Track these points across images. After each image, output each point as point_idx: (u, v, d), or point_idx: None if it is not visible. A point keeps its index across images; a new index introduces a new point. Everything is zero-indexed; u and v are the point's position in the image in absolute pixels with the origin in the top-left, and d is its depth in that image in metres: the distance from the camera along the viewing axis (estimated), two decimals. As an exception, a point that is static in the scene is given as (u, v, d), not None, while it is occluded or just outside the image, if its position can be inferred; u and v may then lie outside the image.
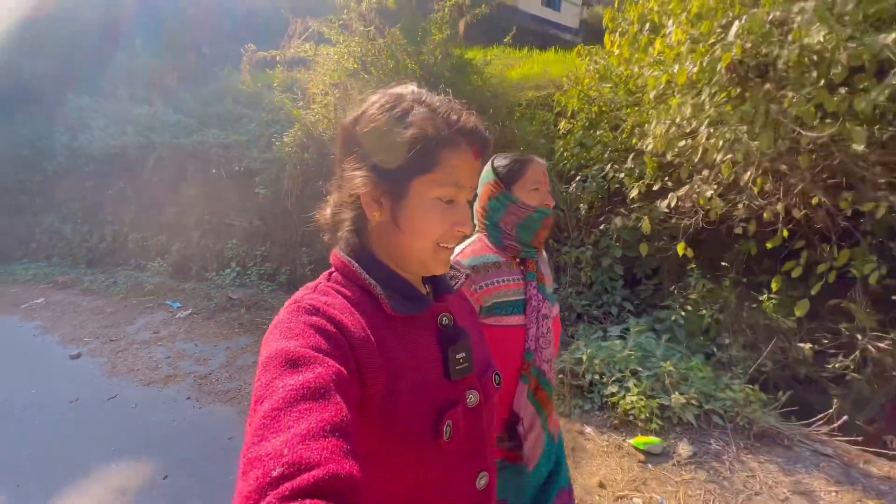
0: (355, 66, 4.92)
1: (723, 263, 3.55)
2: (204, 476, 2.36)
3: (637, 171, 3.81)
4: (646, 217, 3.48)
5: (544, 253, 1.23)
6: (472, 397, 0.65)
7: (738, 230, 3.18)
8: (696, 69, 3.06)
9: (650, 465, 2.29)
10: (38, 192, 8.27)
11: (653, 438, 2.43)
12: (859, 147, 2.58)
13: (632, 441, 2.44)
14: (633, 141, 3.70)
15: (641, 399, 2.58)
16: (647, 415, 2.53)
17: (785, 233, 3.06)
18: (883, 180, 2.67)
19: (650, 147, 3.42)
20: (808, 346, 2.98)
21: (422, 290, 0.69)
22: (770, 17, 2.79)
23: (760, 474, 2.18)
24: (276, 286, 5.80)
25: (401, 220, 0.62)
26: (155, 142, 6.81)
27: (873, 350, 2.94)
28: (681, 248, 3.27)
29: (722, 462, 2.27)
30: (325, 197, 0.71)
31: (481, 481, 0.66)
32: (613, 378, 2.77)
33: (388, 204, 0.62)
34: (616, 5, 3.84)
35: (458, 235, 0.64)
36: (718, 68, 2.95)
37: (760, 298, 3.23)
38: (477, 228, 1.21)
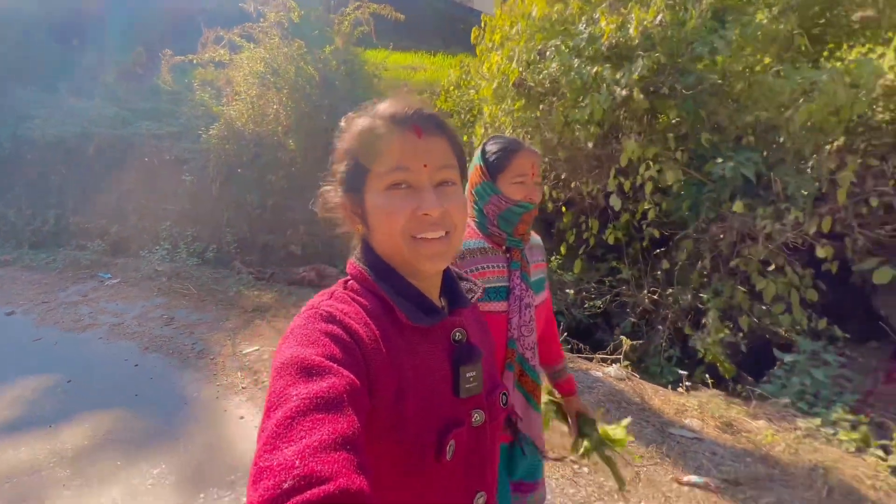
0: (265, 69, 5.75)
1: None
2: (105, 382, 3.22)
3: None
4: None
5: (537, 237, 1.25)
6: (478, 416, 0.64)
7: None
8: (495, 85, 4.08)
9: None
10: (-18, 179, 8.72)
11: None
12: (590, 144, 3.64)
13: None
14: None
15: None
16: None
17: (564, 210, 4.11)
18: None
19: (477, 145, 4.43)
20: (572, 291, 4.04)
21: (437, 302, 0.68)
22: (538, 48, 3.82)
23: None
24: (202, 262, 6.59)
25: (368, 222, 0.63)
26: (93, 132, 7.43)
27: (638, 296, 4.00)
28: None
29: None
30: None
31: (479, 500, 0.66)
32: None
33: (360, 213, 0.64)
34: (482, 25, 4.77)
35: (426, 221, 0.61)
36: (510, 85, 3.97)
37: (550, 259, 4.28)
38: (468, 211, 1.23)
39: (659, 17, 3.12)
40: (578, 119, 3.43)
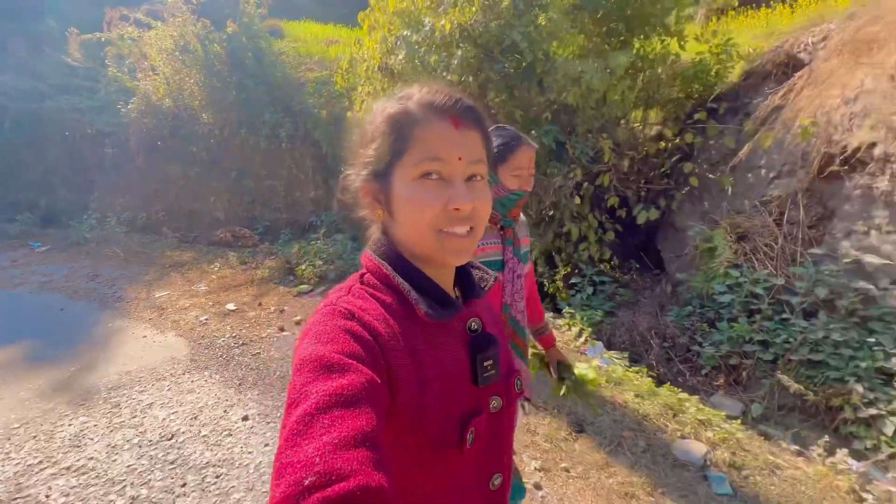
0: (174, 47, 6.17)
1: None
2: (32, 323, 3.91)
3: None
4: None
5: (523, 216, 1.39)
6: (496, 403, 0.65)
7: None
8: (365, 66, 4.81)
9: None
10: None
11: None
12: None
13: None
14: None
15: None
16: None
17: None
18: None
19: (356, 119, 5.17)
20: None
21: (452, 293, 0.68)
22: (392, 39, 4.55)
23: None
24: (132, 229, 7.11)
25: (393, 211, 0.61)
26: (9, 107, 7.59)
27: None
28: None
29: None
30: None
31: (495, 481, 0.67)
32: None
33: (382, 199, 0.62)
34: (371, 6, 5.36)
35: (456, 216, 0.59)
36: (375, 69, 4.71)
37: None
38: None
39: (474, 16, 3.92)
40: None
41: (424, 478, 0.59)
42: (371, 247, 0.66)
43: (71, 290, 4.60)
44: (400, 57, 4.34)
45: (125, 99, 7.00)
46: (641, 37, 4.54)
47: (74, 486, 2.06)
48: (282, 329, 3.56)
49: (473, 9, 4.01)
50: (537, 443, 2.31)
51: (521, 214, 1.38)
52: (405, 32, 4.38)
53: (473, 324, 0.66)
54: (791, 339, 2.81)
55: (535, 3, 4.00)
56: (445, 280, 0.67)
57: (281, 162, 6.62)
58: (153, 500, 1.99)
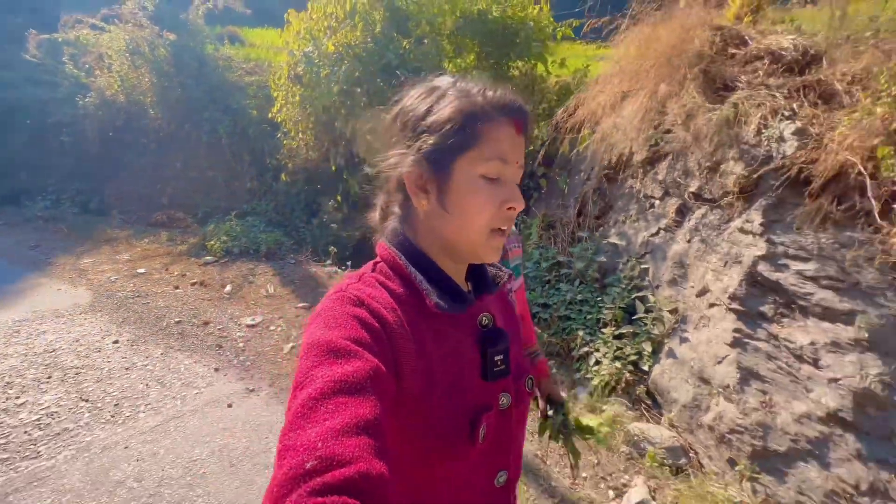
0: (125, 49, 6.92)
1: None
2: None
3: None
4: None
5: (514, 228, 1.29)
6: (505, 399, 0.65)
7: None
8: (278, 76, 5.61)
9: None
10: None
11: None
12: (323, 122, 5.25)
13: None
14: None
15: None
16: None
17: (334, 167, 5.76)
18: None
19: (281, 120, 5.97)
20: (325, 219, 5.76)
21: (464, 287, 0.69)
22: (298, 54, 5.34)
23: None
24: (85, 211, 7.78)
25: (448, 203, 0.61)
26: (-23, 96, 8.25)
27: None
28: (284, 176, 5.90)
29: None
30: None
31: (501, 478, 0.67)
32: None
33: (433, 189, 0.62)
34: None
35: (509, 216, 0.62)
36: (286, 77, 5.51)
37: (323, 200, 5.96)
38: None
39: (356, 38, 4.75)
40: (315, 105, 5.07)
41: (429, 471, 0.59)
42: (387, 236, 0.67)
43: (10, 257, 5.30)
44: (299, 70, 5.16)
45: (83, 93, 7.72)
46: (513, 60, 5.42)
47: (-33, 375, 2.80)
48: (176, 287, 4.31)
49: (357, 32, 4.85)
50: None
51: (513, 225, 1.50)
52: (308, 48, 5.21)
53: (485, 318, 0.67)
54: (557, 301, 3.63)
55: (406, 29, 4.85)
56: (459, 274, 0.68)
57: (221, 155, 7.36)
58: (24, 385, 2.73)
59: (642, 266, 3.30)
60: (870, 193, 2.10)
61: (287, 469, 0.39)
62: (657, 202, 3.40)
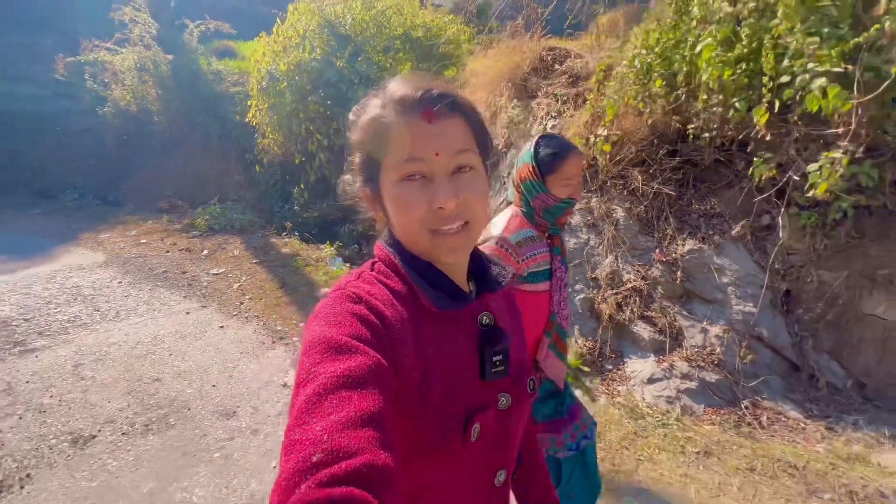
0: (135, 67, 8.44)
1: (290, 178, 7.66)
2: (17, 244, 6.11)
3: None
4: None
5: (531, 231, 1.36)
6: (504, 400, 0.65)
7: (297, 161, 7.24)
8: (253, 87, 6.98)
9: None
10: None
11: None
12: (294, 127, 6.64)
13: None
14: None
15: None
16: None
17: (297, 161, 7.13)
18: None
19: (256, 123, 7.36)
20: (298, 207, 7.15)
21: (465, 287, 0.68)
22: (264, 69, 6.70)
23: (227, 240, 6.28)
24: (104, 203, 9.35)
25: (388, 213, 0.63)
26: (16, 108, 9.92)
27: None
28: (258, 167, 7.30)
29: (220, 239, 6.35)
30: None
31: (499, 477, 0.68)
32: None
33: (379, 202, 0.63)
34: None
35: (441, 214, 0.59)
36: (256, 88, 6.88)
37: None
38: (511, 199, 1.41)
39: (305, 57, 6.10)
40: (278, 112, 6.46)
41: (426, 468, 0.59)
42: (383, 237, 0.68)
43: (47, 234, 6.83)
44: (264, 83, 6.55)
45: (101, 105, 9.29)
46: (437, 68, 6.69)
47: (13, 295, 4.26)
48: (167, 251, 5.74)
49: (304, 54, 6.21)
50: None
51: None
52: (270, 66, 6.59)
53: (485, 318, 0.67)
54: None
55: (345, 50, 6.18)
56: (457, 272, 0.67)
57: (213, 153, 8.83)
58: (59, 303, 4.16)
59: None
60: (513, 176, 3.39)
61: (294, 463, 0.40)
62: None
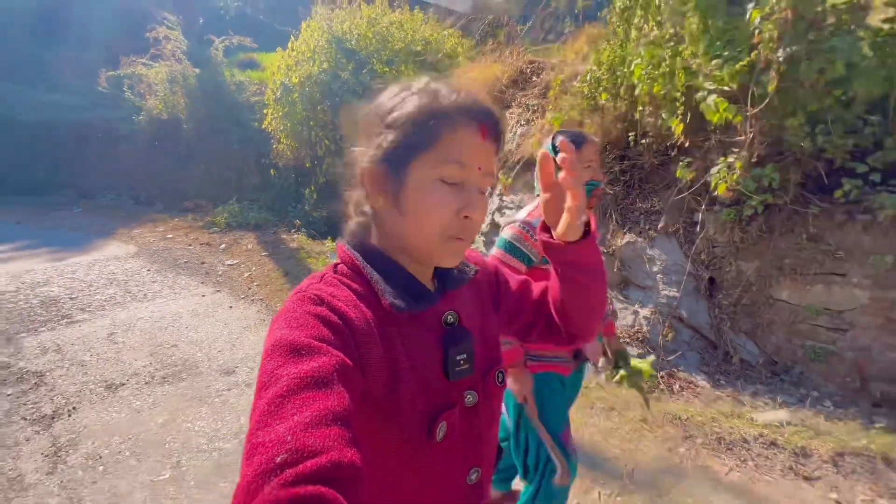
0: (167, 80, 9.31)
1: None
2: (60, 237, 6.95)
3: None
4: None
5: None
6: (471, 397, 0.65)
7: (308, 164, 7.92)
8: (269, 97, 7.70)
9: (214, 237, 7.04)
10: None
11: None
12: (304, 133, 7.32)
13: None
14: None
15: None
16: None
17: (308, 165, 7.80)
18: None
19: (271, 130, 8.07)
20: (308, 207, 7.79)
21: (429, 286, 0.68)
22: (279, 81, 7.39)
23: (243, 236, 6.96)
24: (137, 202, 10.27)
25: (403, 204, 0.61)
26: (62, 117, 10.99)
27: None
28: (273, 171, 8.00)
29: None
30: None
31: (472, 476, 0.68)
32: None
33: (390, 188, 0.61)
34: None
35: (466, 225, 0.60)
36: (272, 98, 7.58)
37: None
38: (537, 192, 1.52)
39: (314, 70, 6.74)
40: (291, 120, 7.13)
41: (396, 469, 0.59)
42: (346, 237, 0.67)
43: (88, 230, 7.69)
44: (278, 94, 7.24)
45: (136, 114, 10.22)
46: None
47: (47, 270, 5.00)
48: (189, 245, 6.45)
49: (314, 67, 6.86)
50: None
51: None
52: (284, 79, 7.28)
53: (449, 317, 0.67)
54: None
55: (352, 64, 6.79)
56: (423, 272, 0.67)
57: (234, 158, 9.62)
58: (98, 286, 4.88)
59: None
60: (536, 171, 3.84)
61: (256, 465, 0.39)
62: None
